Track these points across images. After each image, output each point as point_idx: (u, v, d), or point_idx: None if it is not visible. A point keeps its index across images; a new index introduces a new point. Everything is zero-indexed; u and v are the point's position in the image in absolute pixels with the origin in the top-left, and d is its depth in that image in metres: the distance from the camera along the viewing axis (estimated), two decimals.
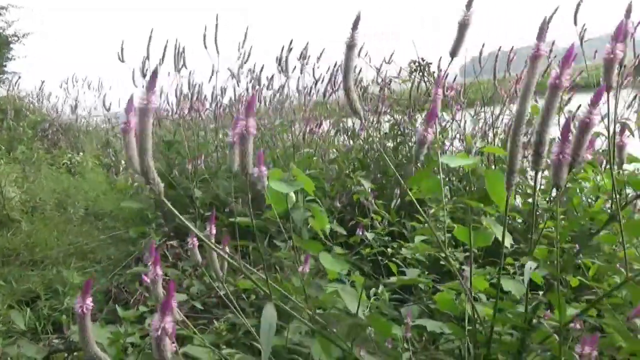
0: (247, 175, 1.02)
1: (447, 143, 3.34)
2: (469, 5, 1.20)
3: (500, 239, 1.30)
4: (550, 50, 2.96)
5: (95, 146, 5.95)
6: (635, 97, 2.92)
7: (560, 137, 0.93)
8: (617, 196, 1.12)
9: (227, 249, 1.31)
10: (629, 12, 1.06)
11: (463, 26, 1.21)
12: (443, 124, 3.36)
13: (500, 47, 3.31)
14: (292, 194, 1.44)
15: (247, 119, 1.00)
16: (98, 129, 6.89)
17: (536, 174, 1.07)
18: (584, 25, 2.64)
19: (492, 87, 3.49)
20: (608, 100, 1.07)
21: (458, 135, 3.45)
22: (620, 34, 0.97)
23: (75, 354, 1.69)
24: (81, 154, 5.72)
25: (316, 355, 1.26)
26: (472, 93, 3.73)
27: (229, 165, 1.09)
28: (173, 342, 0.81)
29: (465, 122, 3.44)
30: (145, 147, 0.90)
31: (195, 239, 1.31)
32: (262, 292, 1.56)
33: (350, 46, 1.12)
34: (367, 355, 1.32)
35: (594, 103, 0.92)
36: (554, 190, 2.51)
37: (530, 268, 1.17)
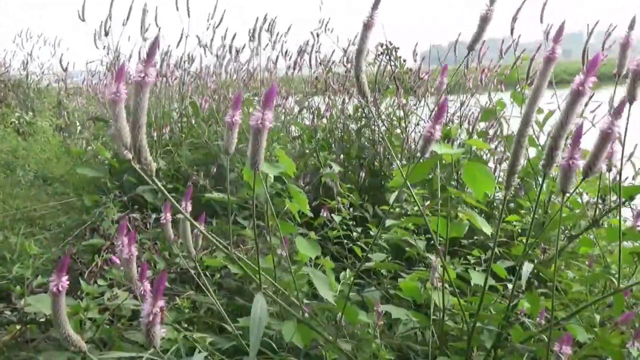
0: (256, 171, 0.97)
1: (411, 128, 3.37)
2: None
3: (484, 230, 1.32)
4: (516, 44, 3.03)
5: (47, 106, 5.65)
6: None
7: (571, 142, 0.91)
8: (601, 202, 1.14)
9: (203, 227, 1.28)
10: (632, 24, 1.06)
11: (485, 20, 1.17)
12: (407, 109, 3.38)
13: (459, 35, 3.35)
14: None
15: (265, 111, 0.94)
16: (50, 87, 6.52)
17: (544, 177, 1.05)
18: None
19: (455, 76, 3.53)
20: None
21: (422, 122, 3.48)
22: None
23: (28, 326, 1.62)
24: (30, 113, 5.44)
25: (287, 337, 1.26)
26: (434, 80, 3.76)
27: (224, 147, 1.04)
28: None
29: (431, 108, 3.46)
30: (139, 122, 0.85)
31: (169, 214, 1.27)
32: (228, 270, 1.53)
33: (368, 25, 1.07)
34: (340, 340, 1.32)
35: (616, 114, 0.90)
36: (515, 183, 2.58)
37: (527, 271, 1.18)
